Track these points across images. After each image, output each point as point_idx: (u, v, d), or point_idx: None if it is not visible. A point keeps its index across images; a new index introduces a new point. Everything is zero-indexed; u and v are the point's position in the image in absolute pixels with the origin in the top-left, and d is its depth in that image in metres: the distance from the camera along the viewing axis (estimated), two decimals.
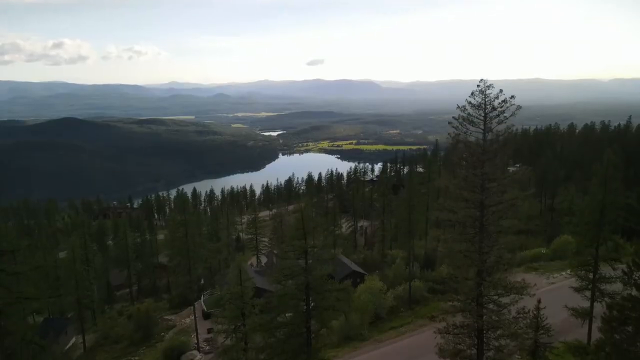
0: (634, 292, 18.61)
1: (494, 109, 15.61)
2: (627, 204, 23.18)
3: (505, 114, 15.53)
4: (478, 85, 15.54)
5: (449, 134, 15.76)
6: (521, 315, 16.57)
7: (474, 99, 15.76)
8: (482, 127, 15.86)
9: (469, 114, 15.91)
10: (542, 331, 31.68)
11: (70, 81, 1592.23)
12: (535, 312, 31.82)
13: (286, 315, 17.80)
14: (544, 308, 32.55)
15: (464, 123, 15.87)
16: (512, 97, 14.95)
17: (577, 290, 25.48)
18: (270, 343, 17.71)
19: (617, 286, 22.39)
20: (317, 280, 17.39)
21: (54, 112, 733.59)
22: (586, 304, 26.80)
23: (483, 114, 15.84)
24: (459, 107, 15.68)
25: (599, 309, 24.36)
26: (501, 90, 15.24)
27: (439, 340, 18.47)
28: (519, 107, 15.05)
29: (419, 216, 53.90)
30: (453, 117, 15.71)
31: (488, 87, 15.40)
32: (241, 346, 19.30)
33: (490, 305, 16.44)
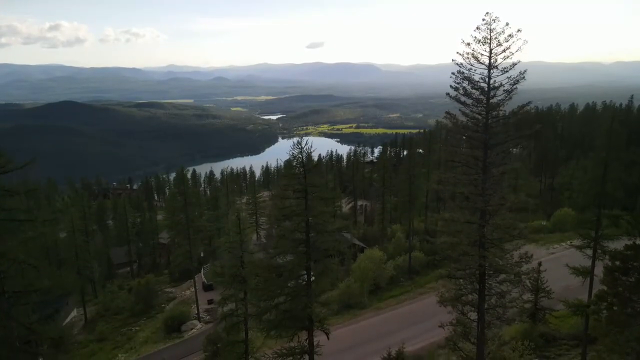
0: (638, 242, 18.39)
1: (499, 44, 15.14)
2: (633, 160, 22.92)
3: (511, 50, 15.09)
4: (483, 19, 15.04)
5: (452, 73, 15.33)
6: (524, 260, 16.37)
7: (479, 33, 15.27)
8: (487, 63, 15.42)
9: (473, 49, 15.45)
10: (542, 294, 31.86)
11: (68, 64, 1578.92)
12: (535, 275, 31.94)
13: (286, 257, 17.60)
14: (545, 270, 32.71)
15: (468, 58, 15.41)
16: (519, 30, 14.52)
17: (580, 248, 25.26)
18: (270, 284, 17.55)
19: (620, 244, 22.12)
20: (317, 218, 17.13)
21: (52, 95, 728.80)
22: (587, 264, 26.52)
23: (488, 49, 15.37)
24: (463, 41, 15.24)
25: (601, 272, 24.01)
26: (507, 24, 14.77)
27: (441, 289, 18.27)
28: (525, 42, 14.58)
29: (418, 183, 53.38)
30: (457, 52, 15.30)
31: (494, 20, 14.92)
32: (240, 296, 19.20)
33: (493, 250, 16.22)
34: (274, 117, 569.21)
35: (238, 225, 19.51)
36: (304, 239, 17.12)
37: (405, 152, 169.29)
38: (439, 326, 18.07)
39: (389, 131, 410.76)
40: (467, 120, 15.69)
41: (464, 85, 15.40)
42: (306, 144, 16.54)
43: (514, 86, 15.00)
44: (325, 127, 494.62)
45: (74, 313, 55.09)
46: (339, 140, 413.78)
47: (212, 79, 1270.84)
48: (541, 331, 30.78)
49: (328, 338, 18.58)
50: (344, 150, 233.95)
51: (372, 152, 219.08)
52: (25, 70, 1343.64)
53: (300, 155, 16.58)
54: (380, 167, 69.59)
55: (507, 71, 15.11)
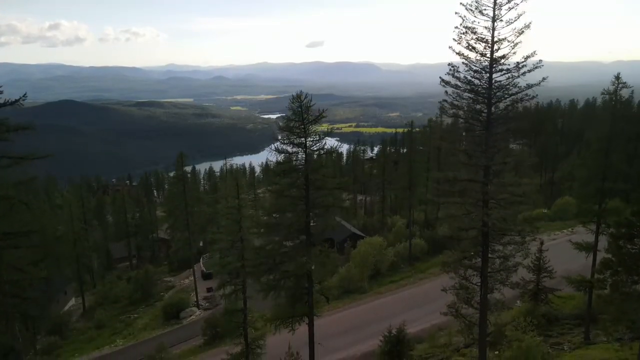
0: None
1: None
2: (638, 133, 22.68)
3: (516, 1, 14.72)
4: None
5: (455, 26, 14.97)
6: (528, 221, 16.07)
7: None
8: (491, 15, 15.06)
9: (476, 1, 15.08)
10: (544, 274, 31.47)
11: (67, 63, 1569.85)
12: (537, 255, 31.57)
13: (285, 216, 17.25)
14: (547, 250, 32.37)
15: (472, 11, 15.03)
16: None
17: (583, 223, 24.93)
18: (269, 242, 17.22)
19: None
20: (317, 173, 16.78)
21: (52, 94, 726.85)
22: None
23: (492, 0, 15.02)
24: None
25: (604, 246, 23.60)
26: None
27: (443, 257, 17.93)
28: None
29: (419, 170, 52.75)
30: (461, 4, 14.91)
31: None
32: (239, 265, 18.83)
33: (497, 209, 15.89)
34: (273, 117, 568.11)
35: (236, 190, 19.18)
36: (304, 196, 16.78)
37: (404, 150, 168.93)
38: (442, 290, 17.75)
39: (388, 130, 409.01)
40: (471, 73, 15.35)
41: (466, 38, 15.05)
42: (306, 97, 16.22)
43: (519, 37, 14.67)
44: (324, 126, 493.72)
45: (72, 302, 54.84)
46: (338, 139, 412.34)
47: (211, 78, 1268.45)
48: (543, 312, 30.44)
49: (328, 302, 18.28)
50: (343, 149, 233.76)
51: (372, 150, 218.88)
52: (25, 70, 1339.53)
53: (300, 109, 16.25)
54: (380, 158, 69.25)
55: (511, 23, 14.77)
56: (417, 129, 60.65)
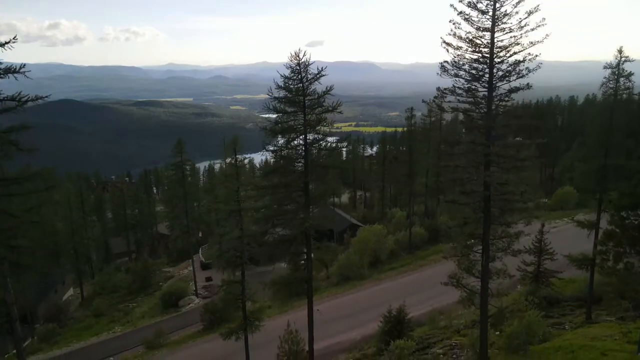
0: None
1: None
2: None
3: None
4: None
5: None
6: (529, 186, 15.78)
7: None
8: None
9: None
10: (546, 256, 31.20)
11: (67, 63, 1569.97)
12: (538, 237, 31.30)
13: (283, 176, 16.98)
14: (548, 232, 32.12)
15: None
16: None
17: (585, 196, 24.65)
18: (268, 203, 16.99)
19: None
20: (317, 132, 16.55)
21: (52, 93, 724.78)
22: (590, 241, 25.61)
23: None
24: None
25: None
26: None
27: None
28: None
29: (420, 157, 52.34)
30: None
31: None
32: (236, 233, 18.62)
33: (499, 173, 15.60)
34: (273, 116, 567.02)
35: (234, 150, 18.90)
36: (302, 155, 16.56)
37: (404, 148, 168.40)
38: (443, 257, 17.49)
39: (388, 129, 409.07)
40: (472, 33, 15.04)
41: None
42: (304, 55, 15.98)
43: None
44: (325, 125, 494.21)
45: (70, 292, 54.58)
46: (338, 138, 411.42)
47: (211, 78, 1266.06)
48: (544, 294, 30.21)
49: (327, 270, 18.05)
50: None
51: (372, 148, 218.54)
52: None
53: (298, 67, 16.01)
54: (380, 152, 68.97)
55: None
56: (418, 128, 60.08)
